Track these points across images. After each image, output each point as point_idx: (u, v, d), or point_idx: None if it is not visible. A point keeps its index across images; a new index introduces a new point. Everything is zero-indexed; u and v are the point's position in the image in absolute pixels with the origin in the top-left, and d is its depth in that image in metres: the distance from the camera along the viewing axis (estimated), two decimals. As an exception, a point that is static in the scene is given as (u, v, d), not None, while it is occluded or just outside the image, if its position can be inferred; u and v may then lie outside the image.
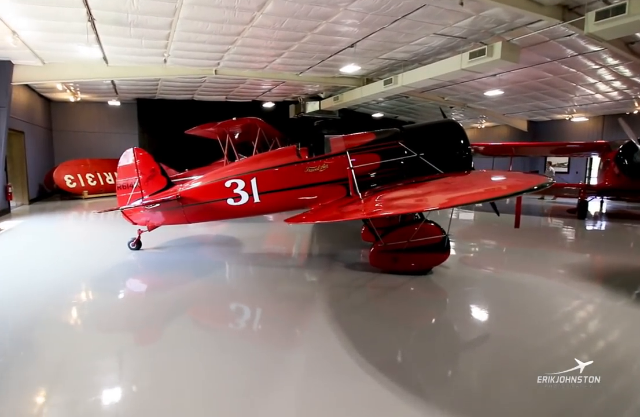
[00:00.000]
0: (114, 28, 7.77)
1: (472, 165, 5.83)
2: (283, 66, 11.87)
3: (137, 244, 6.65)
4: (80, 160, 15.55)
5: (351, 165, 5.39)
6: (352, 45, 9.75)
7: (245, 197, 6.04)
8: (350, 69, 11.72)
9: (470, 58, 9.23)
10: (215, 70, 11.75)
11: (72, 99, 15.07)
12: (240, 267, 5.98)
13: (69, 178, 14.91)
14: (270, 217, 9.86)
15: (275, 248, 7.65)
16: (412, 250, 5.07)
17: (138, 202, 6.41)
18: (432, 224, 5.23)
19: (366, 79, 14.08)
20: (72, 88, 14.11)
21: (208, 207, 6.22)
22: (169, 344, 3.35)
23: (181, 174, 11.58)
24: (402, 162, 5.62)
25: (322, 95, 17.06)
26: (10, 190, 10.99)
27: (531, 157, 18.66)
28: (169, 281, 5.25)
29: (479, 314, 4.23)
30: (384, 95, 14.12)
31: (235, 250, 7.08)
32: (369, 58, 11.12)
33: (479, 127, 22.46)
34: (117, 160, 15.20)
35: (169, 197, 6.21)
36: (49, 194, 15.60)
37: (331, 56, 10.74)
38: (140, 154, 6.65)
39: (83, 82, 12.46)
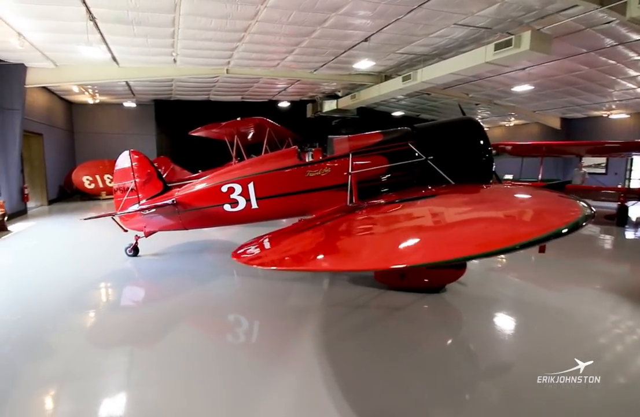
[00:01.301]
0: (117, 27, 7.56)
1: (493, 169, 5.14)
2: (296, 64, 11.44)
3: (135, 250, 6.39)
4: (98, 161, 15.71)
5: (350, 170, 4.84)
6: (366, 40, 9.18)
7: (242, 203, 5.62)
8: (364, 64, 11.14)
9: (495, 50, 8.46)
10: (227, 70, 11.46)
11: (90, 101, 15.26)
12: (237, 278, 5.58)
13: (87, 179, 15.09)
14: (284, 220, 9.44)
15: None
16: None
17: (135, 207, 6.15)
18: None
19: (384, 76, 13.44)
20: (89, 90, 14.25)
21: (205, 213, 5.86)
22: (158, 353, 3.27)
23: (194, 175, 11.37)
24: (413, 166, 5.03)
25: (339, 94, 16.52)
26: (26, 191, 11.12)
27: (564, 158, 17.38)
28: (162, 291, 4.98)
29: (498, 346, 3.52)
30: (403, 92, 13.46)
31: (234, 258, 6.69)
32: (386, 53, 10.51)
33: (507, 125, 21.27)
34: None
35: (165, 202, 5.89)
36: (69, 194, 15.87)
37: (345, 52, 10.21)
38: (137, 156, 6.37)
39: (96, 83, 12.51)
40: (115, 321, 3.98)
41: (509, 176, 15.66)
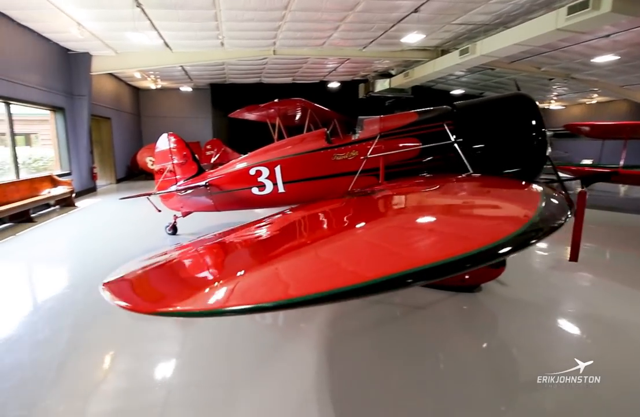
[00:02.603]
0: (163, 12, 7.78)
1: (546, 155, 4.45)
2: (343, 41, 10.97)
3: (173, 229, 6.76)
4: (160, 143, 16.79)
5: (368, 154, 4.54)
6: (416, 10, 8.44)
7: (269, 187, 5.61)
8: (413, 38, 10.31)
9: (568, 14, 7.29)
10: (274, 51, 11.36)
11: (153, 87, 16.19)
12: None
13: (150, 160, 16.20)
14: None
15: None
16: None
17: (173, 188, 6.46)
18: None
19: (441, 51, 12.40)
20: (151, 76, 15.10)
21: (234, 196, 5.97)
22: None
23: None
24: (447, 150, 4.57)
25: (393, 72, 15.67)
26: (95, 171, 12.30)
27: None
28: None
29: (524, 358, 2.91)
30: (461, 68, 12.31)
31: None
32: (440, 24, 9.61)
33: (588, 102, 18.70)
34: (193, 144, 16.05)
35: (197, 183, 6.10)
36: (136, 174, 17.28)
37: (394, 26, 9.52)
38: (174, 139, 6.62)
39: (153, 69, 13.16)
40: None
41: (587, 161, 13.89)
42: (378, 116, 5.30)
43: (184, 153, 6.53)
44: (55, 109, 10.18)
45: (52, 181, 9.41)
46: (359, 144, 4.99)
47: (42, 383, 2.55)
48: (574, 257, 2.95)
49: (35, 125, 13.05)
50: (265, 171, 5.62)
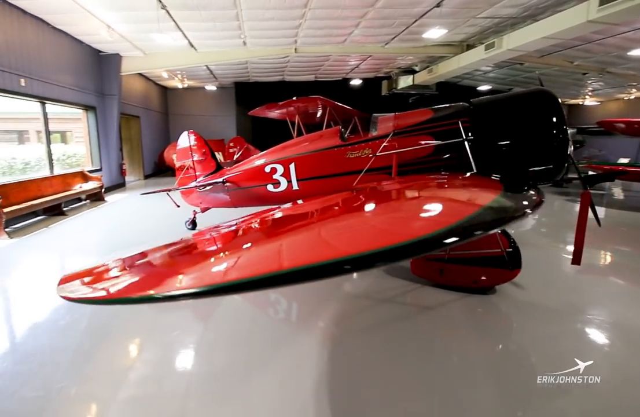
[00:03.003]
0: (186, 13, 8.00)
1: (567, 154, 4.26)
2: (364, 38, 10.89)
3: (193, 224, 6.99)
4: (185, 141, 17.31)
5: (378, 152, 4.53)
6: (438, 5, 8.26)
7: (284, 184, 5.68)
8: (435, 34, 10.10)
9: (600, 5, 6.93)
10: (295, 49, 11.43)
11: (180, 86, 16.67)
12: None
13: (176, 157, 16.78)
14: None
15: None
16: (462, 262, 3.94)
17: (192, 184, 6.67)
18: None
19: (466, 45, 12.07)
20: (178, 75, 15.55)
21: (250, 193, 6.09)
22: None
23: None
24: (460, 149, 4.48)
25: (416, 69, 15.40)
26: (124, 167, 12.84)
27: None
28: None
29: (528, 370, 2.73)
30: (487, 63, 11.94)
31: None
32: (464, 18, 9.36)
33: (626, 98, 17.69)
34: (217, 141, 16.48)
35: (215, 180, 6.27)
36: (163, 170, 17.89)
37: (416, 21, 9.36)
38: (194, 136, 6.82)
39: (180, 69, 13.55)
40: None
41: (624, 160, 13.20)
42: (392, 114, 5.27)
43: (203, 150, 6.72)
44: (87, 108, 10.69)
45: (84, 177, 9.92)
46: (372, 142, 4.99)
47: (59, 367, 2.74)
48: (576, 260, 2.84)
49: (70, 123, 13.72)
50: (280, 169, 5.70)
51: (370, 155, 4.71)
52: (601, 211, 8.99)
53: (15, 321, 3.58)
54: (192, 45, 10.69)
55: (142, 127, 15.12)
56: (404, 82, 15.94)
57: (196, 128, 18.98)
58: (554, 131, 4.12)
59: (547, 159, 4.15)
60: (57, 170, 9.52)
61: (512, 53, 10.20)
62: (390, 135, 4.80)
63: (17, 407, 2.32)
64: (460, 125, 4.39)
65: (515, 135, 4.22)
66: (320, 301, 3.99)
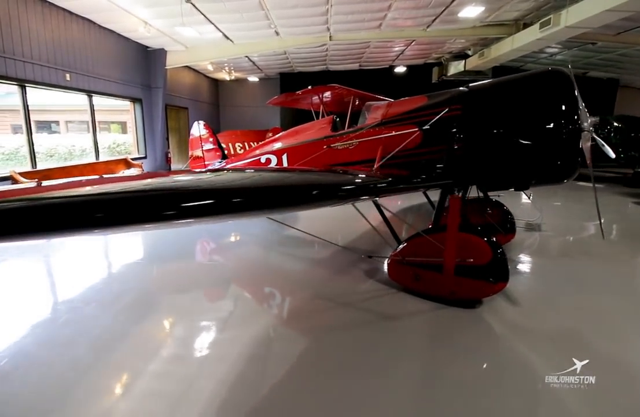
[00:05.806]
0: (210, 5, 8.14)
1: (578, 150, 3.55)
2: (402, 21, 10.24)
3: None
4: (232, 131, 17.91)
5: (354, 141, 4.21)
6: (473, -21, 7.42)
7: (277, 175, 5.62)
8: (470, 12, 9.10)
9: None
10: (330, 36, 11.13)
11: (227, 78, 17.24)
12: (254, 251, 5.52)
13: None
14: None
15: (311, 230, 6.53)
16: (439, 269, 3.42)
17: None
18: (479, 236, 3.44)
19: (523, 24, 10.75)
20: (225, 68, 16.08)
21: (249, 183, 6.12)
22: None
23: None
24: (450, 143, 3.99)
25: (469, 53, 14.15)
26: (169, 155, 13.73)
27: None
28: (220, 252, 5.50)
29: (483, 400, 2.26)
30: (545, 43, 10.48)
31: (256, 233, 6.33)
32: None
33: None
34: (261, 132, 16.86)
35: (219, 169, 6.40)
36: (211, 160, 18.86)
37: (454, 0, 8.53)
38: (204, 127, 7.00)
39: (220, 61, 13.95)
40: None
41: None
42: (386, 101, 4.89)
43: (211, 140, 6.88)
44: (133, 99, 11.54)
45: (126, 163, 10.77)
46: (360, 132, 4.67)
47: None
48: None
49: (127, 114, 14.99)
50: (274, 159, 5.65)
51: (350, 147, 4.42)
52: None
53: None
54: (227, 38, 10.93)
55: (190, 118, 15.96)
56: (455, 68, 14.77)
57: (243, 119, 19.74)
58: (563, 121, 3.47)
59: (553, 153, 3.52)
60: (105, 157, 10.45)
61: (572, 31, 8.87)
62: (374, 124, 4.47)
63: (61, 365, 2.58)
64: (449, 114, 3.92)
65: (513, 125, 3.64)
66: (277, 297, 3.90)
